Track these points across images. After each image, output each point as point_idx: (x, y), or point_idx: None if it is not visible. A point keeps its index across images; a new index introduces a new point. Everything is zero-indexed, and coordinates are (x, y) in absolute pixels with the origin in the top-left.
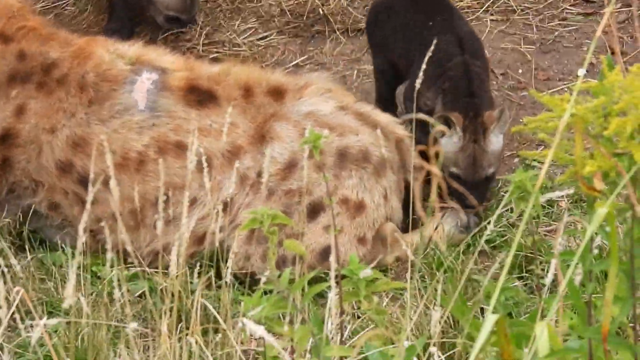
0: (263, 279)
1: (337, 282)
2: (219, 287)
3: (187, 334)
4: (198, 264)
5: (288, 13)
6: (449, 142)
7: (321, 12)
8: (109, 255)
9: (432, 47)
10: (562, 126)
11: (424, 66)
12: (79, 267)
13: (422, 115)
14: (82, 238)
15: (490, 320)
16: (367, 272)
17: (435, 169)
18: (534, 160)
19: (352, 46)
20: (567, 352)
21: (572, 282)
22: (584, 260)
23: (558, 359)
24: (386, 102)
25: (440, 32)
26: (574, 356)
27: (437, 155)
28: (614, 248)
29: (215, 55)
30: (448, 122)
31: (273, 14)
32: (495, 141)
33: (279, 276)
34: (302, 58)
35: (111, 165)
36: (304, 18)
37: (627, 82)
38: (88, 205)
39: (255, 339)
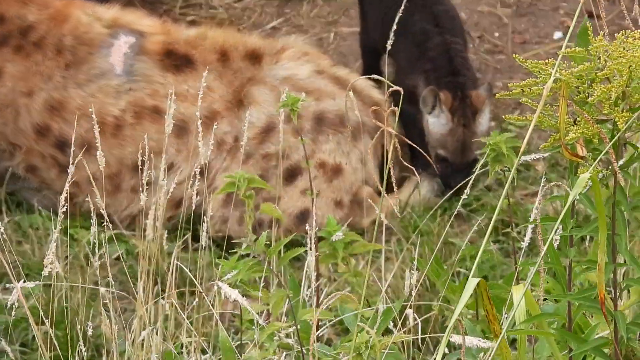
0: (244, 245)
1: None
2: (196, 250)
3: (163, 297)
4: (176, 228)
5: None
6: (437, 123)
7: None
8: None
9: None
10: (546, 92)
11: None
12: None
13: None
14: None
15: (471, 284)
16: (342, 231)
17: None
18: (510, 124)
19: (329, 8)
20: (545, 316)
21: (552, 246)
22: (564, 225)
23: (536, 323)
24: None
25: (416, 11)
26: (551, 320)
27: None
28: (602, 213)
29: (192, 18)
30: (436, 99)
31: None
32: (484, 122)
33: (256, 240)
34: (279, 20)
35: (97, 135)
36: None
37: (612, 48)
38: (69, 177)
39: (232, 302)
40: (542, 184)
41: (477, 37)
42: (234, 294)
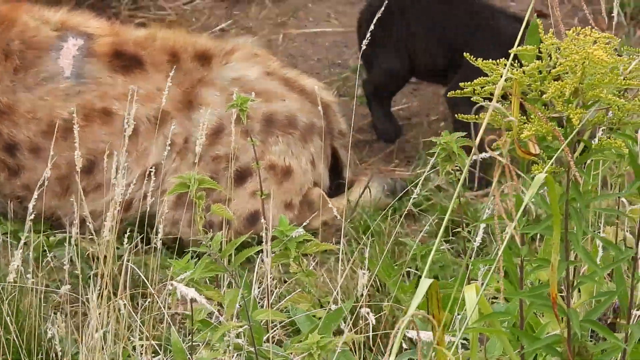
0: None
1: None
2: (146, 252)
3: (114, 300)
4: (127, 230)
5: None
6: None
7: None
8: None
9: None
10: (498, 91)
11: None
12: (5, 233)
13: None
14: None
15: (424, 284)
16: (299, 231)
17: None
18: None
19: (277, 10)
20: (497, 315)
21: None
22: (518, 224)
23: (487, 322)
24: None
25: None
26: (503, 319)
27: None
28: (556, 212)
29: (141, 20)
30: None
31: None
32: None
33: (212, 239)
34: (228, 22)
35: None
36: None
37: (564, 46)
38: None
39: (182, 304)
40: (493, 183)
41: None
42: (191, 292)
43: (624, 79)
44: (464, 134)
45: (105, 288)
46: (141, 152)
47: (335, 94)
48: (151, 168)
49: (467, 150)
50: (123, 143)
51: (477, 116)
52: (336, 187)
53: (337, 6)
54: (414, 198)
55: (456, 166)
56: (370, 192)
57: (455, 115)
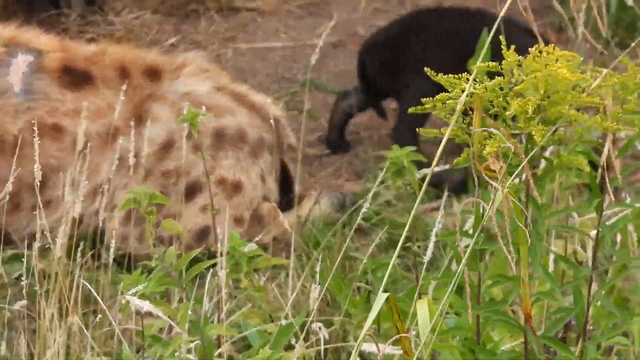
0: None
1: (215, 263)
2: (97, 268)
3: (67, 316)
4: (78, 246)
5: None
6: None
7: None
8: None
9: None
10: (459, 106)
11: None
12: None
13: None
14: None
15: (380, 298)
16: (251, 246)
17: None
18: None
19: (226, 25)
20: (453, 331)
21: (460, 260)
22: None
23: (441, 338)
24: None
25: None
26: (457, 335)
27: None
28: (521, 229)
29: (90, 35)
30: None
31: None
32: None
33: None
34: (177, 37)
35: None
36: None
37: (527, 63)
38: None
39: (132, 319)
40: (443, 197)
41: None
42: (146, 305)
43: (586, 96)
44: (415, 148)
45: (57, 304)
46: (92, 168)
47: (284, 108)
48: (102, 184)
49: (417, 164)
50: (74, 159)
51: (438, 130)
52: (286, 201)
53: (286, 21)
54: (364, 212)
55: (406, 180)
56: (320, 206)
57: (418, 130)
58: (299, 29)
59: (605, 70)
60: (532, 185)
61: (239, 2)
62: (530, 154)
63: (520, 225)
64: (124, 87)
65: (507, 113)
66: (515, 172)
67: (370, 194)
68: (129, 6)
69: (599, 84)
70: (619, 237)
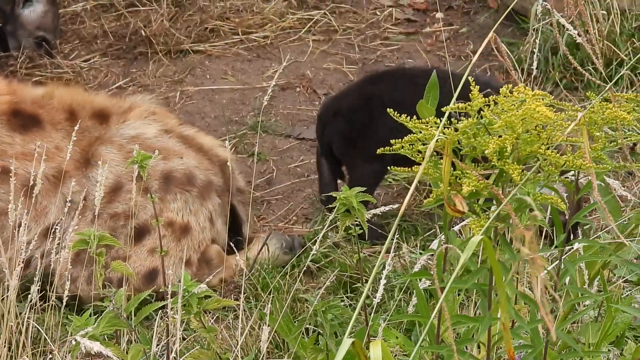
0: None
1: (166, 304)
2: (44, 310)
3: (17, 357)
4: (26, 288)
5: (110, 35)
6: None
7: (143, 33)
8: None
9: None
10: (429, 152)
11: None
12: None
13: None
14: None
15: (345, 344)
16: (201, 287)
17: None
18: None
19: (174, 68)
20: None
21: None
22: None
23: None
24: None
25: None
26: None
27: None
28: (498, 272)
29: (38, 78)
30: None
31: (95, 36)
32: None
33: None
34: (125, 80)
35: None
36: (126, 40)
37: (501, 102)
38: None
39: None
40: (394, 240)
41: (324, 94)
42: (96, 346)
43: (561, 136)
44: (364, 188)
45: (7, 345)
46: (40, 210)
47: (233, 151)
48: (51, 226)
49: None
50: (24, 201)
51: (410, 168)
52: (235, 244)
53: (234, 63)
54: (313, 254)
55: (356, 220)
56: (268, 249)
57: (390, 167)
58: (246, 72)
59: (580, 113)
60: (516, 222)
61: (187, 44)
62: (510, 196)
63: (499, 267)
64: (75, 132)
65: (486, 151)
66: (495, 212)
67: (319, 236)
68: (77, 49)
69: (569, 123)
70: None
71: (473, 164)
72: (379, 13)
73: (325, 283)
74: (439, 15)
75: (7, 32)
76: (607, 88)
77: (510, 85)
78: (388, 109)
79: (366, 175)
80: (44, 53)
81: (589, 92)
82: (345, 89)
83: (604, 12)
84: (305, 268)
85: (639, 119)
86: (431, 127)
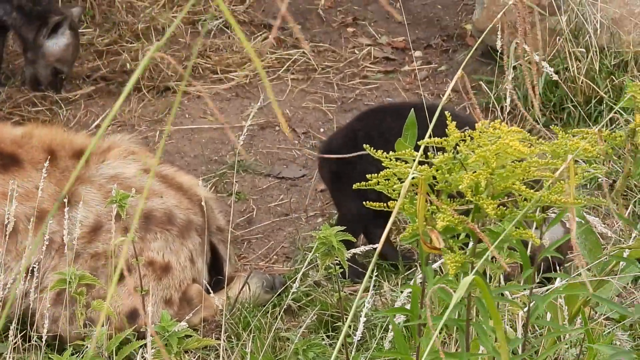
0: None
1: (146, 343)
2: (26, 350)
3: None
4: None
5: (93, 70)
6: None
7: (128, 66)
8: None
9: None
10: (404, 190)
11: None
12: None
13: None
14: None
15: None
16: (182, 325)
17: None
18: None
19: (153, 107)
20: None
21: (400, 336)
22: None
23: None
24: None
25: None
26: None
27: None
28: (494, 311)
29: (17, 118)
30: None
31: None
32: None
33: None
34: (103, 119)
35: None
36: (111, 74)
37: (477, 137)
38: None
39: None
40: (372, 278)
41: (303, 132)
42: None
43: (535, 170)
44: (344, 227)
45: None
46: (20, 250)
47: (213, 190)
48: (30, 266)
49: (346, 244)
50: (2, 241)
51: (385, 204)
52: (215, 282)
53: (213, 103)
54: (293, 293)
55: (335, 259)
56: (249, 288)
57: (365, 203)
58: (226, 111)
59: (570, 157)
60: (499, 258)
61: (172, 81)
62: (501, 238)
63: (494, 307)
64: (46, 166)
65: (460, 187)
66: (484, 257)
67: (299, 275)
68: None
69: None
70: (549, 315)
71: (449, 199)
72: (357, 52)
73: (306, 322)
74: (418, 53)
75: (27, 60)
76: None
77: (487, 122)
78: (365, 145)
79: (351, 212)
80: (22, 89)
81: (569, 129)
82: (339, 128)
83: (583, 49)
84: (286, 307)
85: (612, 153)
86: (406, 163)
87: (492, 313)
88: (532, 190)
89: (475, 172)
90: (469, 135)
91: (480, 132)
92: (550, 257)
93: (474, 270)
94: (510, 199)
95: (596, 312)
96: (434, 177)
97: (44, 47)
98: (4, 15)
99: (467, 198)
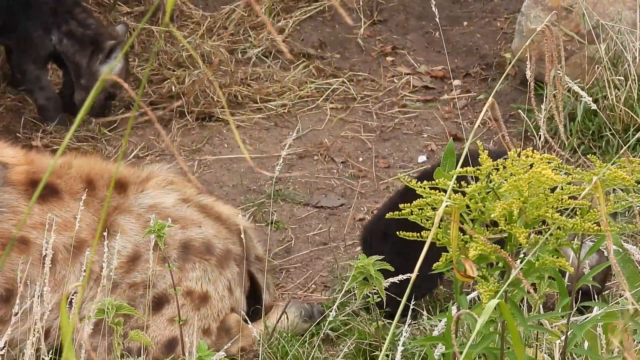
0: None
1: None
2: None
3: None
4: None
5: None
6: None
7: (173, 89)
8: None
9: None
10: (437, 219)
11: None
12: None
13: None
14: None
15: None
16: (220, 355)
17: None
18: None
19: (192, 137)
20: None
21: None
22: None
23: None
24: None
25: None
26: None
27: None
28: (516, 337)
29: (56, 147)
30: None
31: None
32: None
33: None
34: (142, 149)
35: None
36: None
37: (509, 165)
38: None
39: None
40: (411, 307)
41: (341, 162)
42: None
43: (568, 198)
44: (381, 257)
45: None
46: (59, 280)
47: (251, 219)
48: (69, 296)
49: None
50: (42, 271)
51: (418, 234)
52: (254, 312)
53: (251, 132)
54: (331, 322)
55: (374, 289)
56: (287, 317)
57: (398, 232)
58: (264, 140)
59: (595, 177)
60: (530, 290)
61: (217, 109)
62: (522, 264)
63: (514, 331)
64: (84, 197)
65: (492, 216)
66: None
67: (336, 304)
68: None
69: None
70: (586, 344)
71: (483, 228)
72: (396, 81)
73: (344, 350)
74: (457, 82)
75: (79, 85)
76: (622, 151)
77: (519, 150)
78: (399, 175)
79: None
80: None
81: (607, 157)
82: (385, 207)
83: (622, 77)
84: (324, 336)
85: None
86: (439, 192)
87: (514, 338)
88: (565, 218)
89: (508, 200)
90: (502, 164)
91: (512, 160)
92: (589, 286)
93: (498, 295)
94: (545, 227)
95: (634, 340)
96: (468, 207)
97: (100, 72)
98: (58, 44)
99: (500, 227)
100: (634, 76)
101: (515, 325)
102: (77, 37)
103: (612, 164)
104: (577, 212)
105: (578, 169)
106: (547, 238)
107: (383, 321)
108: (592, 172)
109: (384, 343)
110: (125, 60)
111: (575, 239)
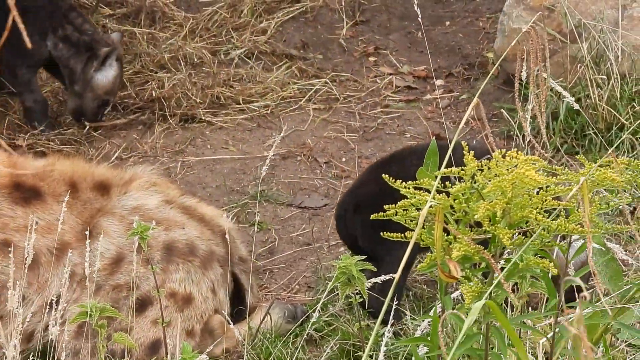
0: None
1: None
2: None
3: None
4: None
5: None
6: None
7: (154, 94)
8: None
9: None
10: (421, 219)
11: None
12: None
13: None
14: None
15: None
16: (203, 358)
17: None
18: None
19: (175, 138)
20: None
21: None
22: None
23: None
24: None
25: None
26: None
27: None
28: (516, 338)
29: (39, 149)
30: None
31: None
32: None
33: None
34: (124, 151)
35: None
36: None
37: (494, 166)
38: None
39: None
40: (392, 306)
41: (324, 162)
42: None
43: (552, 199)
44: (364, 257)
45: None
46: (42, 283)
47: (234, 220)
48: (52, 298)
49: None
50: (26, 274)
51: (402, 235)
52: (237, 313)
53: (234, 133)
54: (314, 323)
55: (356, 289)
56: (271, 318)
57: (383, 233)
58: (247, 141)
59: (582, 178)
60: (510, 293)
61: (199, 110)
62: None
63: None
64: (67, 199)
65: (476, 217)
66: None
67: (319, 304)
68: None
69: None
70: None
71: (467, 229)
72: (379, 81)
73: (327, 351)
74: (439, 82)
75: (73, 92)
76: (608, 152)
77: (504, 151)
78: (383, 175)
79: (395, 260)
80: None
81: (590, 156)
82: (357, 181)
83: (604, 76)
84: (308, 337)
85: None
86: (424, 192)
87: (512, 337)
88: (549, 220)
89: (492, 201)
90: (487, 165)
91: (497, 161)
92: (574, 286)
93: (485, 296)
94: (529, 228)
95: (617, 339)
96: (452, 207)
97: (94, 79)
98: (53, 49)
99: (484, 228)
100: (617, 75)
101: (510, 325)
102: (73, 42)
103: (598, 165)
104: (562, 213)
105: (567, 169)
106: (532, 239)
107: (366, 321)
108: (580, 172)
109: (367, 343)
110: (120, 67)
111: (562, 239)
